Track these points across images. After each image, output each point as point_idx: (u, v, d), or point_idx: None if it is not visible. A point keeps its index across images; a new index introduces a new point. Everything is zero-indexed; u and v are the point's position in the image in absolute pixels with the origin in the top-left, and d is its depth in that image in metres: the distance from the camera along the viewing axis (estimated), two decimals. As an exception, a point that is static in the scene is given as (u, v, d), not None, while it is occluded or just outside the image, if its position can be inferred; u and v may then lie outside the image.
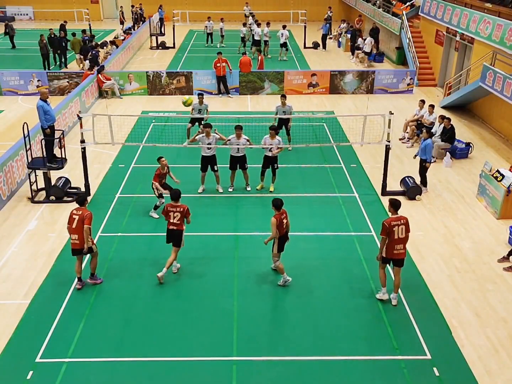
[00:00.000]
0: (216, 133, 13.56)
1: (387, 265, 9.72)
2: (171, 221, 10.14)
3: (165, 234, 10.31)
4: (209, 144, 13.30)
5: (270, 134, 13.41)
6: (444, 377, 8.15)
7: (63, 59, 27.09)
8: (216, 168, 13.60)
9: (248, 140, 13.50)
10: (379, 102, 21.51)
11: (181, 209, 10.09)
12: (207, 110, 16.67)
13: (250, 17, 33.32)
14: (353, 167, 15.49)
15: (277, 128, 14.66)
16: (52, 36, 26.44)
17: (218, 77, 22.28)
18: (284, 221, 9.88)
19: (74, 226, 9.73)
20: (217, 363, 8.40)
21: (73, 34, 27.58)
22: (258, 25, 28.77)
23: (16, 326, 9.11)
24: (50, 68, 25.90)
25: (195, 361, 8.44)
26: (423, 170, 13.93)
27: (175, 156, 15.55)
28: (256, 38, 28.56)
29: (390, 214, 9.56)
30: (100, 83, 21.90)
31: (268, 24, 29.38)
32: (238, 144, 13.43)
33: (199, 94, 16.80)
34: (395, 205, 9.38)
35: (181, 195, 10.32)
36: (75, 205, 13.12)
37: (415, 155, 14.40)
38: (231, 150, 13.61)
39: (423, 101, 17.72)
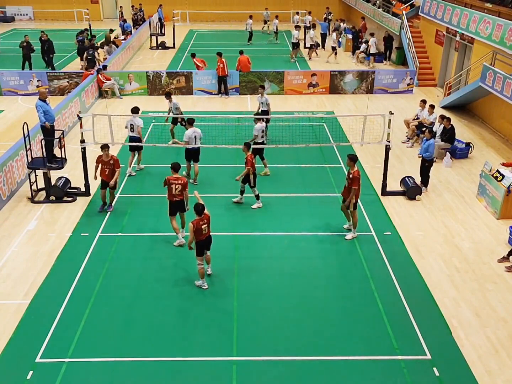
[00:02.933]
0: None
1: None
2: (173, 193, 11.00)
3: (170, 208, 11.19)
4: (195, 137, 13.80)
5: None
6: (444, 377, 8.15)
7: (52, 62, 26.37)
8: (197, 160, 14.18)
9: None
10: (379, 102, 21.51)
11: (182, 182, 11.03)
12: (177, 108, 16.55)
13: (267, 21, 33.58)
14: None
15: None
16: (25, 44, 25.49)
17: (218, 78, 22.31)
18: (203, 226, 9.73)
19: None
20: (217, 363, 8.40)
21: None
22: (297, 27, 29.24)
23: (16, 326, 9.12)
24: (31, 69, 25.19)
25: (195, 361, 8.44)
26: (425, 170, 13.94)
27: (174, 156, 15.53)
28: (294, 41, 28.62)
29: (350, 167, 11.40)
30: (100, 83, 21.90)
31: (297, 27, 29.55)
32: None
33: (166, 94, 16.75)
34: (354, 159, 11.40)
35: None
36: (75, 205, 13.18)
37: (419, 154, 14.39)
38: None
39: (424, 101, 17.72)
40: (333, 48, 28.41)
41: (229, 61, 24.15)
